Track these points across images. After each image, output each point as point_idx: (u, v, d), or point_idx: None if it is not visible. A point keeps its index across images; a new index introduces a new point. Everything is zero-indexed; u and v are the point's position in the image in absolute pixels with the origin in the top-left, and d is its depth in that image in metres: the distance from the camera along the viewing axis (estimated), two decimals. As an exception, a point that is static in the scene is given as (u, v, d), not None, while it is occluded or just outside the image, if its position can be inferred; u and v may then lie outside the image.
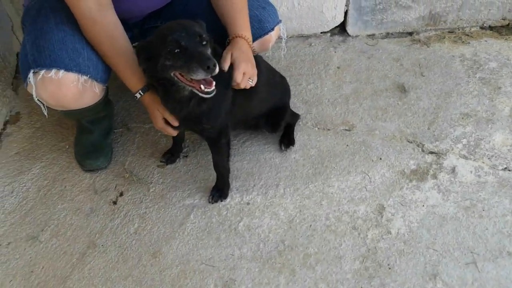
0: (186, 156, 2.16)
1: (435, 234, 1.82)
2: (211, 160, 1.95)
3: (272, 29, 1.91)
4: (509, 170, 2.02)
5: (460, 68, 2.50)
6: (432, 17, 2.69)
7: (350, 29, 2.73)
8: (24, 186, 2.06)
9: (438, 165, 2.05)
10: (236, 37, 1.73)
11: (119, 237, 1.88)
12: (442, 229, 1.83)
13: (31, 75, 1.64)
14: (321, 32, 2.75)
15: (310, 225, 1.88)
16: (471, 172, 2.02)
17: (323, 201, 1.95)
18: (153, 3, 1.86)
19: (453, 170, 2.03)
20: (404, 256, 1.76)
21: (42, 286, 1.75)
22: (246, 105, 1.85)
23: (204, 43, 1.47)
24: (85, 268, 1.79)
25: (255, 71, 1.74)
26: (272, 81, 2.01)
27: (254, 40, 1.82)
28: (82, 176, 2.10)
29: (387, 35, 2.75)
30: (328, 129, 2.23)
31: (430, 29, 2.74)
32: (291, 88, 2.24)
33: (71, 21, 1.68)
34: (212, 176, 2.04)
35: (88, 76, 1.69)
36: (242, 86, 1.71)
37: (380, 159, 2.09)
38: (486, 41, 2.67)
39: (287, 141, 2.15)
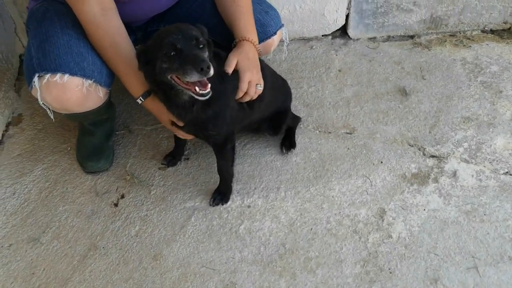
0: (188, 159, 2.16)
1: (436, 239, 1.82)
2: (213, 162, 1.96)
3: (275, 33, 1.92)
4: (511, 175, 2.02)
5: (462, 72, 2.50)
6: (433, 20, 2.69)
7: (351, 32, 2.73)
8: (26, 187, 2.07)
9: (439, 169, 2.05)
10: (242, 40, 1.73)
11: (120, 240, 1.88)
12: (443, 234, 1.84)
13: (36, 79, 1.65)
14: (322, 35, 2.75)
15: (311, 229, 1.88)
16: (472, 176, 2.02)
17: (324, 205, 1.96)
18: (157, 6, 1.87)
19: (454, 174, 2.03)
20: (405, 261, 1.76)
21: (43, 288, 1.75)
22: (252, 110, 1.85)
23: (201, 46, 1.47)
24: (86, 271, 1.79)
25: (260, 76, 1.75)
26: (276, 85, 2.02)
27: (257, 44, 1.83)
28: (84, 178, 2.10)
29: (389, 38, 2.75)
30: (329, 132, 2.24)
31: (432, 33, 2.75)
32: (292, 91, 2.24)
33: (76, 25, 1.69)
34: (213, 179, 2.04)
35: (93, 80, 1.70)
36: (252, 94, 1.72)
37: (381, 162, 2.10)
38: (487, 44, 2.67)
39: (288, 144, 2.16)
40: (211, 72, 1.40)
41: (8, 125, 2.34)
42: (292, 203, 1.97)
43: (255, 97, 1.76)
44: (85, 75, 1.67)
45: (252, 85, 1.71)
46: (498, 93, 2.38)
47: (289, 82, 2.21)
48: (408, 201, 1.95)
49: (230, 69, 1.67)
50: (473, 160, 2.08)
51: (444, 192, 1.97)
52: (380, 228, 1.87)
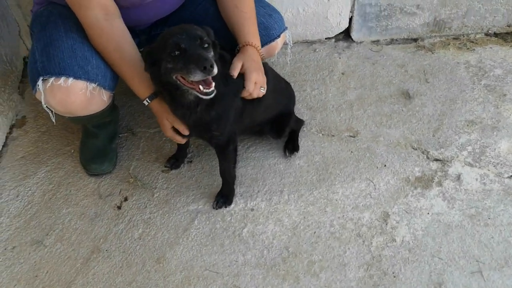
0: (191, 162, 2.16)
1: (440, 242, 1.81)
2: (216, 165, 1.96)
3: (278, 36, 1.92)
4: (515, 178, 2.02)
5: (465, 75, 2.50)
6: (437, 23, 2.69)
7: (354, 35, 2.73)
8: (29, 190, 2.07)
9: (443, 173, 2.05)
10: (246, 45, 1.74)
11: (123, 242, 1.88)
12: (447, 237, 1.83)
13: (40, 82, 1.65)
14: (325, 38, 2.75)
15: (314, 232, 1.88)
16: (476, 179, 2.02)
17: (328, 208, 1.95)
18: (161, 11, 1.87)
19: (458, 177, 2.03)
20: (409, 264, 1.76)
21: (46, 291, 1.75)
22: (254, 112, 1.85)
23: (205, 46, 1.48)
24: (89, 273, 1.79)
25: (265, 79, 1.76)
26: (278, 88, 2.02)
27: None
28: (87, 180, 2.11)
29: (392, 41, 2.75)
30: (333, 135, 2.23)
31: (435, 36, 2.74)
32: (296, 94, 2.25)
33: (80, 28, 1.69)
34: (216, 182, 2.04)
35: (97, 84, 1.70)
36: (255, 96, 1.73)
37: (385, 166, 2.09)
38: (491, 48, 2.67)
39: (291, 147, 2.15)
40: (215, 70, 1.41)
41: (12, 127, 2.34)
42: (295, 206, 1.96)
43: (255, 96, 1.76)
44: (89, 79, 1.67)
45: (257, 86, 1.72)
46: (502, 96, 2.37)
47: (292, 85, 2.22)
48: (412, 205, 1.94)
49: (235, 73, 1.67)
50: (477, 164, 2.08)
51: (448, 195, 1.97)
52: (384, 231, 1.86)
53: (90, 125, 2.05)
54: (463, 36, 2.74)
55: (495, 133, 2.20)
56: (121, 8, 1.70)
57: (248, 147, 2.20)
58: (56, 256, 1.85)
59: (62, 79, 1.64)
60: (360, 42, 2.74)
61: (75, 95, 1.67)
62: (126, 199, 2.03)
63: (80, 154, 2.15)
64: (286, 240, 1.86)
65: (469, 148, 2.14)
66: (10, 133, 2.31)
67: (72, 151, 2.22)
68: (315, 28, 2.68)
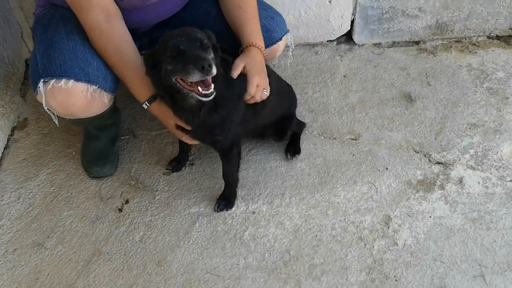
0: (192, 164, 2.16)
1: (442, 246, 1.81)
2: (217, 168, 1.95)
3: (280, 39, 1.92)
4: (517, 182, 2.01)
5: (467, 78, 2.49)
6: (439, 26, 2.68)
7: (356, 37, 2.73)
8: (31, 192, 2.07)
9: (445, 176, 2.04)
10: (250, 46, 1.74)
11: (125, 245, 1.88)
12: (450, 241, 1.82)
13: (41, 84, 1.65)
14: (327, 41, 2.75)
15: (316, 235, 1.87)
16: (478, 183, 2.01)
17: (329, 211, 1.95)
18: (163, 13, 1.87)
19: (461, 181, 2.02)
20: (411, 268, 1.75)
21: (47, 294, 1.75)
22: (257, 115, 1.85)
23: (205, 48, 1.47)
24: (90, 276, 1.79)
25: (267, 81, 1.75)
26: (280, 91, 2.01)
27: (262, 50, 1.83)
28: (88, 183, 2.10)
29: (394, 44, 2.75)
30: (334, 138, 2.23)
31: (437, 38, 2.74)
32: (297, 96, 2.24)
33: (82, 31, 1.70)
34: (218, 185, 2.04)
35: (97, 86, 1.70)
36: (258, 99, 1.72)
37: (387, 169, 2.09)
38: (493, 50, 2.66)
39: (293, 149, 2.15)
40: (213, 71, 1.40)
41: (13, 129, 2.34)
42: (297, 209, 1.96)
43: (259, 100, 1.76)
44: (90, 81, 1.67)
45: (259, 89, 1.71)
46: (504, 99, 2.36)
47: (294, 87, 2.21)
48: (414, 208, 1.94)
49: (236, 73, 1.66)
50: (479, 167, 2.07)
51: (450, 199, 1.96)
52: (386, 235, 1.85)
53: (92, 127, 2.05)
54: (465, 39, 2.74)
55: (497, 136, 2.19)
56: (123, 10, 1.70)
57: (249, 150, 2.20)
58: (57, 259, 1.84)
59: (63, 81, 1.64)
60: (362, 45, 2.74)
61: (76, 97, 1.67)
62: (127, 202, 2.03)
63: (82, 157, 2.16)
64: (288, 243, 1.85)
65: (471, 151, 2.13)
66: (11, 135, 2.32)
67: (74, 153, 2.22)
68: (317, 31, 2.68)
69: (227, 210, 1.96)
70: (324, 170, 2.10)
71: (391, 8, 2.59)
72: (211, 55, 1.48)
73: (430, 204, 1.95)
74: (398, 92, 2.44)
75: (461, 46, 2.70)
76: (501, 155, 2.11)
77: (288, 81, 2.22)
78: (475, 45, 2.70)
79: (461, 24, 2.68)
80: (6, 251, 1.87)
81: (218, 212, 1.96)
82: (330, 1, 2.54)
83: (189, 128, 1.70)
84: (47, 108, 1.72)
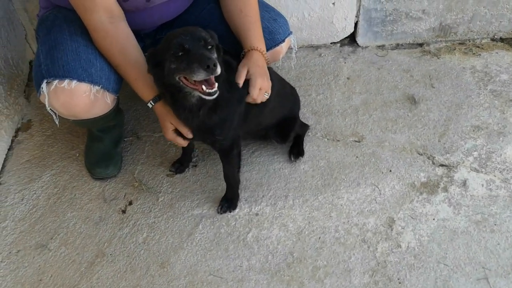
0: (195, 166, 2.16)
1: (445, 249, 1.80)
2: (220, 170, 1.95)
3: (283, 40, 1.92)
4: (521, 184, 2.00)
5: (471, 80, 2.49)
6: (442, 28, 2.68)
7: (360, 39, 2.73)
8: (34, 193, 2.07)
9: (449, 178, 2.04)
10: (251, 50, 1.74)
11: (128, 247, 1.88)
12: (453, 244, 1.82)
13: (44, 85, 1.66)
14: (331, 43, 2.75)
15: (319, 237, 1.87)
16: (482, 185, 2.00)
17: (332, 213, 1.94)
18: (166, 14, 1.88)
19: (464, 183, 2.01)
20: (415, 271, 1.75)
21: (50, 295, 1.75)
22: (258, 116, 1.85)
23: (209, 47, 1.48)
24: (93, 277, 1.79)
25: (270, 84, 1.75)
26: (283, 92, 2.01)
27: (265, 52, 1.83)
28: (92, 184, 2.11)
29: (397, 46, 2.74)
30: (338, 140, 2.23)
31: (441, 41, 2.74)
32: (301, 98, 2.24)
33: (85, 31, 1.70)
34: (221, 186, 2.04)
35: (100, 86, 1.70)
36: (259, 101, 1.73)
37: (390, 171, 2.08)
38: (497, 53, 2.66)
39: (296, 151, 2.15)
40: (218, 70, 1.41)
41: (17, 131, 2.35)
42: (300, 211, 1.96)
43: (259, 102, 1.76)
44: (92, 81, 1.68)
45: (261, 92, 1.72)
46: (508, 101, 2.36)
47: (297, 89, 2.21)
48: (418, 210, 1.93)
49: (241, 81, 1.67)
50: (483, 170, 2.06)
51: (454, 201, 1.95)
52: (389, 237, 1.85)
53: (95, 128, 2.06)
54: (469, 41, 2.74)
55: (501, 138, 2.19)
56: (126, 11, 1.71)
57: (253, 152, 2.20)
58: (61, 260, 1.85)
59: (66, 81, 1.64)
60: (366, 47, 2.74)
61: (79, 97, 1.68)
62: (130, 203, 2.03)
63: (85, 158, 2.16)
64: (291, 245, 1.85)
65: (475, 154, 2.13)
66: (15, 136, 2.32)
67: (77, 154, 2.22)
68: (321, 33, 2.68)
69: (230, 212, 1.96)
70: (328, 172, 2.10)
71: (394, 10, 2.58)
72: (214, 55, 1.49)
73: (434, 206, 1.94)
74: (402, 94, 2.43)
75: (464, 49, 2.70)
76: (505, 157, 2.10)
77: (291, 83, 2.22)
78: (478, 47, 2.70)
79: (465, 26, 2.67)
80: (10, 253, 1.88)
81: (221, 214, 1.96)
82: (333, 3, 2.54)
83: (190, 136, 1.71)
84: (50, 109, 1.73)
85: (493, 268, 1.74)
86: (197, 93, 1.51)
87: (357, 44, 2.74)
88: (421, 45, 2.74)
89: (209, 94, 1.47)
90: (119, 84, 1.80)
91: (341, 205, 1.97)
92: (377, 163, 2.12)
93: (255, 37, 1.77)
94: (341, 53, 2.71)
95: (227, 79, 1.63)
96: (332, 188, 2.03)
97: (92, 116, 1.80)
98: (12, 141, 2.30)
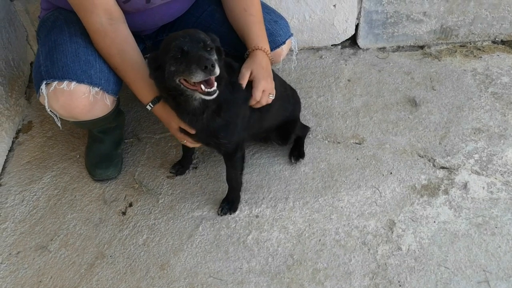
0: (196, 168, 2.16)
1: (446, 251, 1.80)
2: (221, 172, 1.95)
3: (284, 42, 1.92)
4: (522, 187, 2.00)
5: (472, 83, 2.49)
6: (443, 31, 2.68)
7: (361, 42, 2.73)
8: (35, 195, 2.07)
9: (450, 181, 2.03)
10: (255, 49, 1.74)
11: (128, 248, 1.88)
12: (454, 246, 1.81)
13: (43, 86, 1.66)
14: (332, 45, 2.75)
15: (319, 240, 1.86)
16: (483, 188, 2.00)
17: (333, 215, 1.94)
18: (166, 16, 1.88)
19: (465, 186, 2.01)
20: (415, 273, 1.74)
21: (50, 297, 1.75)
22: (261, 119, 1.85)
23: (209, 49, 1.48)
24: (93, 279, 1.79)
25: (273, 85, 1.75)
26: (284, 95, 2.01)
27: (266, 53, 1.83)
28: (92, 186, 2.11)
29: (398, 49, 2.74)
30: (338, 142, 2.22)
31: (442, 43, 2.73)
32: (301, 100, 2.24)
33: (85, 33, 1.71)
34: (221, 188, 2.04)
35: (100, 88, 1.70)
36: (264, 103, 1.73)
37: (391, 173, 2.08)
38: (498, 55, 2.65)
39: (297, 153, 2.15)
40: (216, 70, 1.40)
41: (18, 132, 2.35)
42: (300, 213, 1.95)
43: (264, 104, 1.76)
44: (92, 83, 1.68)
45: (265, 94, 1.72)
46: (509, 104, 2.35)
47: (298, 91, 2.21)
48: (418, 213, 1.93)
49: (244, 82, 1.67)
50: (484, 172, 2.06)
51: (454, 204, 1.95)
52: (390, 240, 1.85)
53: (96, 130, 2.06)
54: (470, 44, 2.73)
55: (502, 141, 2.18)
56: (126, 13, 1.71)
57: (253, 154, 2.19)
58: (61, 262, 1.85)
59: (65, 83, 1.64)
60: (366, 49, 2.74)
61: (78, 99, 1.68)
62: (131, 205, 2.03)
63: (86, 159, 2.16)
64: (291, 247, 1.85)
65: (476, 156, 2.12)
66: (16, 137, 2.33)
67: (78, 156, 2.22)
68: (321, 35, 2.68)
69: (230, 214, 1.96)
70: (328, 174, 2.09)
71: (395, 12, 2.58)
72: (214, 57, 1.49)
73: (435, 209, 1.94)
74: (403, 97, 2.43)
75: (465, 51, 2.69)
76: (506, 160, 2.10)
77: (292, 85, 2.22)
78: (480, 49, 2.70)
79: (466, 28, 2.67)
80: (10, 254, 1.88)
81: (221, 215, 1.96)
82: (334, 5, 2.54)
83: (193, 132, 1.70)
84: (50, 110, 1.73)
85: (494, 271, 1.74)
86: (198, 95, 1.51)
87: (358, 46, 2.74)
88: (422, 47, 2.74)
89: (208, 93, 1.47)
90: (119, 86, 1.80)
91: (341, 207, 1.97)
92: (377, 165, 2.11)
93: (259, 36, 1.77)
94: (342, 55, 2.71)
95: (230, 81, 1.63)
96: (333, 190, 2.03)
97: (92, 117, 1.80)
98: (13, 142, 2.30)
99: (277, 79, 1.90)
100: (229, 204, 1.96)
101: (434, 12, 2.58)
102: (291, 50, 2.07)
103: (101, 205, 2.03)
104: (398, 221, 1.90)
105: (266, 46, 1.77)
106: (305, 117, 2.33)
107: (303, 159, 2.14)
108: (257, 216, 1.95)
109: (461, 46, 2.73)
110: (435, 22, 2.63)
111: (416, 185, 2.03)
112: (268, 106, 1.78)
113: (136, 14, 1.76)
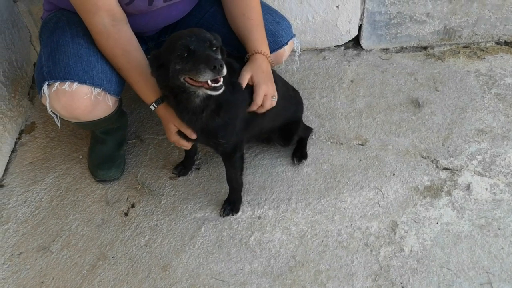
0: (198, 169, 2.16)
1: (449, 253, 1.79)
2: (223, 173, 1.95)
3: (286, 43, 1.92)
4: (526, 188, 1.99)
5: (475, 84, 2.48)
6: (447, 32, 2.67)
7: (364, 43, 2.72)
8: (37, 196, 2.08)
9: (453, 182, 2.02)
10: (255, 53, 1.74)
11: (130, 249, 1.88)
12: (457, 248, 1.80)
13: (45, 87, 1.67)
14: (335, 46, 2.75)
15: (322, 241, 1.86)
16: (486, 189, 1.99)
17: (335, 217, 1.93)
18: (169, 18, 1.88)
19: (468, 187, 2.00)
20: (418, 275, 1.73)
21: (52, 297, 1.75)
22: (261, 120, 1.85)
23: (214, 48, 1.48)
24: (95, 280, 1.79)
25: (274, 87, 1.75)
26: (287, 95, 2.01)
27: (267, 54, 1.83)
28: (95, 186, 2.11)
29: (401, 49, 2.74)
30: (341, 143, 2.22)
31: (445, 44, 2.72)
32: (304, 101, 2.24)
33: (87, 34, 1.71)
34: (224, 189, 2.03)
35: (101, 88, 1.71)
36: (268, 107, 1.74)
37: (394, 174, 2.07)
38: (501, 56, 2.64)
39: (299, 154, 2.14)
40: (225, 70, 1.41)
41: (21, 133, 2.36)
42: (303, 214, 1.95)
43: (269, 108, 1.76)
44: (94, 84, 1.68)
45: (267, 98, 1.72)
46: (513, 105, 2.35)
47: (301, 92, 2.21)
48: (421, 214, 1.92)
49: (243, 83, 1.67)
50: (487, 173, 2.05)
51: (457, 205, 1.94)
52: (392, 241, 1.84)
53: (98, 131, 2.06)
54: (473, 45, 2.72)
55: (505, 142, 2.17)
56: (129, 14, 1.71)
57: (256, 155, 2.19)
58: (63, 263, 1.85)
59: (67, 83, 1.65)
60: (370, 50, 2.73)
61: (80, 99, 1.68)
62: (133, 206, 2.03)
63: (88, 160, 2.16)
64: (293, 248, 1.84)
65: (479, 157, 2.11)
66: (19, 138, 2.33)
67: (81, 157, 2.23)
68: (325, 36, 2.68)
69: (232, 215, 1.96)
70: (331, 175, 2.09)
71: (398, 13, 2.58)
72: (219, 56, 1.49)
73: (437, 210, 1.93)
74: (406, 98, 2.42)
75: (469, 52, 2.68)
76: (509, 161, 2.09)
77: (295, 86, 2.22)
78: (483, 50, 2.69)
79: (469, 29, 2.66)
80: (12, 255, 1.88)
81: (223, 217, 1.96)
82: (337, 6, 2.54)
83: (194, 137, 1.71)
84: (51, 111, 1.73)
85: (496, 272, 1.73)
86: (201, 92, 1.51)
87: (361, 47, 2.74)
88: (425, 48, 2.73)
89: (215, 88, 1.46)
90: (121, 87, 1.81)
91: (344, 208, 1.96)
92: (380, 166, 2.11)
93: (258, 40, 1.77)
94: (345, 56, 2.70)
95: (230, 82, 1.63)
96: (335, 191, 2.02)
97: (94, 118, 1.81)
98: (16, 143, 2.31)
99: (279, 79, 1.90)
100: (231, 205, 1.96)
101: (437, 13, 2.57)
102: (293, 51, 2.06)
103: (104, 206, 2.03)
104: (401, 223, 1.90)
105: (266, 50, 1.77)
106: (308, 118, 2.33)
107: (305, 160, 2.14)
108: (259, 217, 1.95)
109: (464, 47, 2.72)
110: (438, 23, 2.63)
111: (419, 186, 2.02)
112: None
113: (138, 16, 1.76)
